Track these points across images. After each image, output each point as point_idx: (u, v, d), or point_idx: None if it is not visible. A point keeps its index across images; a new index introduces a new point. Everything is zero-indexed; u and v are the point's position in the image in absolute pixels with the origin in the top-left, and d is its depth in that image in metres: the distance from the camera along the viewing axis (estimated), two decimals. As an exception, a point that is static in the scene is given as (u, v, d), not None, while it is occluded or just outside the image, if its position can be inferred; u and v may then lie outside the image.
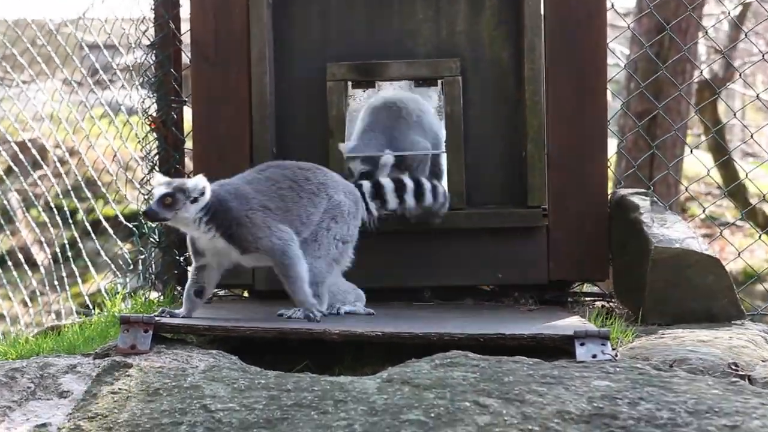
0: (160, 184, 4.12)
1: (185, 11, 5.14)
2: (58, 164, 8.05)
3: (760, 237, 7.53)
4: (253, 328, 4.01)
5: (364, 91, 4.99)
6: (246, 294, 5.09)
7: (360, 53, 4.90)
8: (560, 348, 3.90)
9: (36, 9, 7.93)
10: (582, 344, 3.85)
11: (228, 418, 3.26)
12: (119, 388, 3.51)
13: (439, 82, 4.88)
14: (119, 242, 6.83)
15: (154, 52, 5.28)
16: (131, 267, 6.16)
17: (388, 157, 4.80)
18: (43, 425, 3.41)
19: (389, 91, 4.99)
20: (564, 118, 4.79)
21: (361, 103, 5.01)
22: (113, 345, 3.93)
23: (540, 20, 4.77)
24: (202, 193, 4.08)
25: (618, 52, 7.64)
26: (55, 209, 7.80)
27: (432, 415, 3.21)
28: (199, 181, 4.09)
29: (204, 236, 4.15)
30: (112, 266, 6.76)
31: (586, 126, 4.80)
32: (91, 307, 6.71)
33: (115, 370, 3.66)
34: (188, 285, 4.27)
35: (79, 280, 7.53)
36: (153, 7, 5.28)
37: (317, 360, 4.08)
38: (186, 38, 5.20)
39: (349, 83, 4.89)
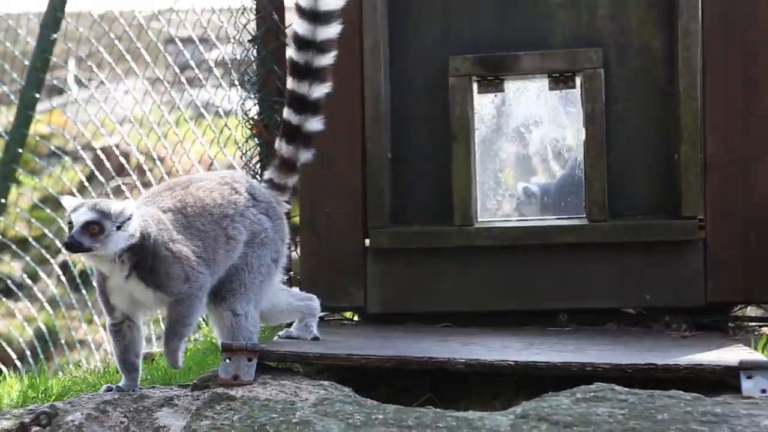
0: (78, 208, 3.82)
1: (291, 1, 5.20)
2: (148, 172, 8.20)
3: None
4: (368, 357, 4.03)
5: (493, 97, 4.98)
6: (356, 317, 5.13)
7: (486, 45, 4.91)
8: (722, 382, 3.85)
9: (124, 1, 8.06)
10: (749, 377, 3.79)
11: (342, 458, 3.30)
12: (222, 424, 3.57)
13: (578, 80, 4.85)
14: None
15: (256, 47, 5.36)
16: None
17: None
18: (139, 465, 3.50)
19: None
20: (725, 113, 4.73)
21: (488, 123, 5.04)
22: (213, 375, 3.99)
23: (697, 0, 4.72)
24: (129, 219, 3.81)
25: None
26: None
27: (574, 456, 3.21)
28: (126, 206, 3.82)
29: (118, 275, 3.89)
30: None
31: (753, 122, 4.74)
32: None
33: (217, 403, 3.72)
34: (118, 351, 4.03)
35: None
36: (255, -3, 5.36)
37: (440, 393, 4.09)
38: (291, 32, 5.27)
39: (475, 84, 4.89)
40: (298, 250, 5.11)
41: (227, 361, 3.97)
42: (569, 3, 4.91)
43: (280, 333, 4.39)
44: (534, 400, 3.59)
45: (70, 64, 9.00)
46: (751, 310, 5.09)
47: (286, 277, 4.44)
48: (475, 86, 4.93)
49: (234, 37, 5.67)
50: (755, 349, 4.27)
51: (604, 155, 4.80)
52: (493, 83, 4.95)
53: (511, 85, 5.02)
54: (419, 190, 4.95)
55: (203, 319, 5.88)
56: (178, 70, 7.68)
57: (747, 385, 3.77)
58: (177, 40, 7.67)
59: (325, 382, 3.91)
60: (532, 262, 4.82)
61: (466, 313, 4.84)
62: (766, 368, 3.81)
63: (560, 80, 4.93)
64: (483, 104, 5.02)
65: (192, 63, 7.40)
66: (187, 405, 3.77)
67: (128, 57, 8.08)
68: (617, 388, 3.63)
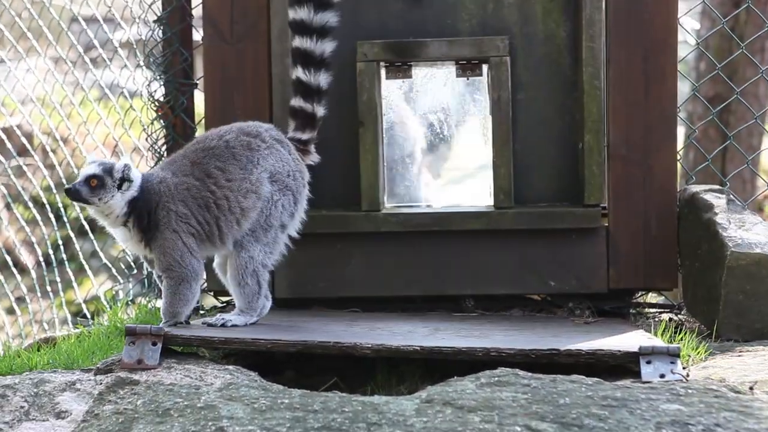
0: (89, 163, 4.24)
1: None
2: (50, 154, 8.09)
3: None
4: (275, 341, 4.03)
5: (401, 83, 4.99)
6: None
7: (395, 31, 4.92)
8: (623, 366, 3.92)
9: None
10: (648, 362, 3.86)
11: (247, 443, 3.29)
12: (125, 408, 3.55)
13: (484, 66, 4.88)
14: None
15: (162, 27, 5.32)
16: (134, 271, 6.22)
17: None
18: (40, 449, 3.46)
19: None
20: (627, 104, 4.79)
21: (394, 106, 5.05)
22: (117, 359, 3.97)
23: (601, -10, 4.78)
24: (130, 181, 4.21)
25: (687, 28, 7.61)
26: (48, 205, 7.85)
27: (478, 440, 3.24)
28: (130, 168, 4.22)
29: (121, 231, 4.32)
30: (113, 269, 6.83)
31: (653, 113, 4.80)
32: (88, 315, 6.76)
33: (120, 388, 3.70)
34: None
35: (75, 286, 7.57)
36: (161, -22, 5.31)
37: (346, 378, 4.10)
38: (198, 12, 5.24)
39: (383, 69, 4.90)
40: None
41: (131, 344, 3.95)
42: (477, -10, 4.94)
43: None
44: (439, 385, 3.61)
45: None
46: (652, 298, 5.17)
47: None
48: (383, 72, 4.93)
49: (139, 17, 5.61)
50: (655, 335, 4.34)
51: (510, 143, 4.83)
52: (401, 69, 4.96)
53: (419, 72, 5.02)
54: (327, 175, 4.92)
55: (105, 299, 5.84)
56: (81, 50, 7.59)
57: (646, 370, 3.85)
58: (80, 18, 7.57)
59: (231, 367, 3.91)
60: (438, 248, 4.85)
61: (373, 298, 4.86)
62: (665, 354, 3.88)
63: (467, 67, 4.94)
64: (391, 90, 5.04)
65: (96, 42, 7.32)
66: (90, 389, 3.75)
67: (30, 35, 7.96)
68: (521, 373, 3.66)
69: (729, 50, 8.20)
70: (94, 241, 7.21)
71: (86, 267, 7.40)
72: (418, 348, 3.99)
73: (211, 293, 5.11)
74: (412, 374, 4.07)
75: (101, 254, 7.09)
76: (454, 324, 4.60)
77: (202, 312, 5.04)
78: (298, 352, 4.05)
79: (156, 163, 5.29)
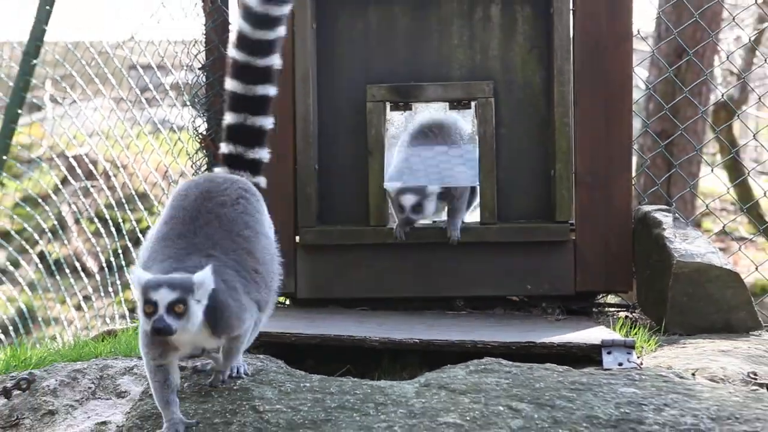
0: (158, 286, 3.02)
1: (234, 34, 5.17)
2: (112, 177, 8.10)
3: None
4: (298, 335, 4.03)
5: (402, 113, 4.97)
6: (287, 302, 5.09)
7: (398, 76, 4.91)
8: (588, 356, 3.90)
9: (93, 31, 7.97)
10: (609, 353, 3.84)
11: (275, 419, 3.28)
12: (173, 389, 3.53)
13: (473, 104, 4.87)
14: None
15: (205, 73, 5.32)
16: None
17: (434, 187, 4.73)
18: (104, 423, 3.44)
19: (425, 113, 4.97)
20: (591, 138, 4.77)
21: (399, 129, 4.99)
22: (168, 348, 3.94)
23: (569, 45, 4.76)
24: (206, 289, 3.09)
25: (639, 76, 7.60)
26: (109, 220, 7.86)
27: (467, 418, 3.22)
28: (206, 277, 3.07)
29: (192, 334, 3.15)
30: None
31: (612, 146, 4.77)
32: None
33: (170, 372, 3.67)
34: (161, 391, 3.23)
35: (132, 285, 7.57)
36: (204, 31, 5.32)
37: (357, 366, 4.08)
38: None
39: (388, 105, 4.89)
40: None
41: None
42: (467, 44, 4.91)
43: None
44: (435, 372, 3.61)
45: (47, 85, 8.86)
46: (611, 299, 5.15)
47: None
48: (388, 109, 4.92)
49: (187, 65, 5.61)
50: (614, 330, 4.32)
51: (494, 170, 4.81)
52: (403, 107, 4.95)
53: (418, 107, 5.00)
54: (341, 196, 4.93)
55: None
56: (138, 92, 7.61)
57: (607, 360, 3.83)
58: (138, 66, 7.60)
59: (261, 356, 3.89)
60: (434, 257, 4.82)
61: (380, 299, 4.83)
62: (622, 346, 3.87)
63: (458, 107, 4.94)
64: (395, 117, 5.02)
65: (151, 86, 7.35)
66: (145, 374, 3.72)
67: (96, 80, 7.99)
68: (503, 361, 3.66)
69: (673, 94, 8.19)
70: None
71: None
72: (418, 341, 3.98)
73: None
74: (413, 362, 4.05)
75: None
76: (447, 321, 4.58)
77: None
78: (318, 344, 4.04)
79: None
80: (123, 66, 7.89)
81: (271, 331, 4.01)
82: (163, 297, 3.00)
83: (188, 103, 5.67)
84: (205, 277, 3.05)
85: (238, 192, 3.42)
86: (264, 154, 3.71)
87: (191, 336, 3.13)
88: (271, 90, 3.74)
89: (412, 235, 4.79)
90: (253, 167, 3.69)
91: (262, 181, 3.70)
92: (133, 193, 7.74)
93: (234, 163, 3.68)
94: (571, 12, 4.77)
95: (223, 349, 3.40)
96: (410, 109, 4.96)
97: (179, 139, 6.43)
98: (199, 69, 5.36)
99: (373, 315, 4.66)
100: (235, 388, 3.48)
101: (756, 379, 3.68)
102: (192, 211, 3.32)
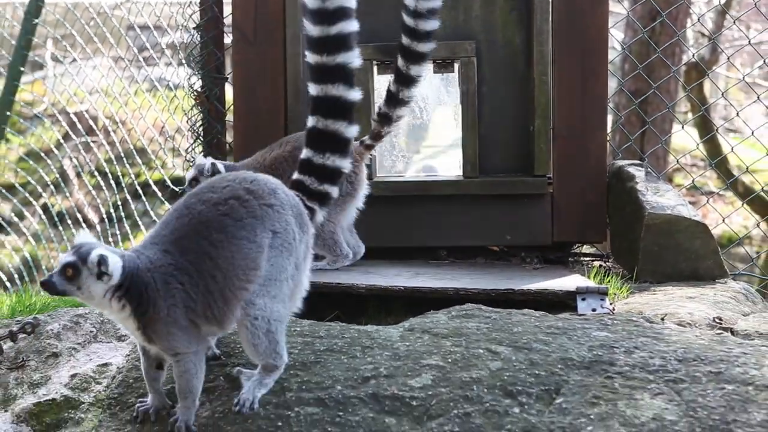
0: (70, 249, 3.00)
1: (227, -4, 5.14)
2: (111, 133, 8.06)
3: (742, 205, 7.53)
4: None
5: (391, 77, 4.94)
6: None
7: (384, 36, 4.86)
8: (563, 302, 3.92)
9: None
10: (583, 299, 3.86)
11: (268, 361, 3.27)
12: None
13: (456, 65, 4.84)
14: (166, 203, 6.85)
15: (199, 33, 5.28)
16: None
17: None
18: (105, 364, 3.45)
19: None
20: (568, 96, 4.76)
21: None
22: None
23: (548, 7, 4.74)
24: (108, 272, 2.92)
25: (615, 37, 7.57)
26: (109, 173, 7.83)
27: (449, 360, 3.23)
28: (109, 257, 2.92)
29: (116, 315, 3.02)
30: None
31: (588, 104, 4.77)
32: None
33: (168, 318, 3.67)
34: (145, 367, 3.14)
35: (131, 237, 7.55)
36: (199, -8, 5.27)
37: (345, 311, 4.09)
38: (227, 21, 5.19)
39: (375, 67, 4.85)
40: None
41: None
42: (450, 5, 4.87)
43: None
44: (419, 317, 3.61)
45: (49, 44, 8.77)
46: (586, 249, 5.17)
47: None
48: (375, 69, 4.89)
49: (182, 25, 5.57)
50: (588, 278, 4.34)
51: (476, 126, 4.80)
52: (390, 66, 4.92)
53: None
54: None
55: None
56: (136, 51, 7.55)
57: (581, 306, 3.85)
58: (136, 26, 7.53)
59: (255, 302, 3.89)
60: (419, 209, 4.83)
61: (367, 248, 4.83)
62: (596, 293, 3.89)
63: (442, 65, 4.91)
64: (381, 83, 5.00)
65: (148, 45, 7.28)
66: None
67: (96, 39, 7.92)
68: (483, 307, 3.66)
69: (647, 54, 8.14)
70: (146, 203, 7.19)
71: (139, 223, 7.39)
72: (402, 288, 3.98)
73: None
74: (398, 309, 4.06)
75: (151, 212, 7.07)
76: (431, 269, 4.59)
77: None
78: (308, 290, 4.04)
79: (195, 140, 5.25)
80: (121, 26, 7.83)
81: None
82: (62, 259, 2.97)
83: (184, 61, 5.63)
84: (104, 256, 2.90)
85: (235, 192, 3.08)
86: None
87: (110, 313, 3.03)
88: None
89: (397, 188, 4.80)
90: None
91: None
92: (132, 148, 7.69)
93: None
94: (551, -26, 4.74)
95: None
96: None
97: (175, 96, 6.39)
98: (193, 29, 5.32)
99: (361, 264, 4.66)
100: (230, 332, 3.48)
101: (720, 323, 3.71)
102: (181, 204, 3.11)
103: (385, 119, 4.43)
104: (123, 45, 7.93)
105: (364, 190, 4.47)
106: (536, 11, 4.73)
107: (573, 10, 4.74)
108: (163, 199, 6.99)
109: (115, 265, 2.92)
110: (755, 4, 5.61)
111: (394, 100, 4.38)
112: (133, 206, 7.46)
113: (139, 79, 7.78)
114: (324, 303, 4.08)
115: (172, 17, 6.39)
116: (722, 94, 6.70)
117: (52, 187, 8.33)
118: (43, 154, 8.67)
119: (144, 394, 3.21)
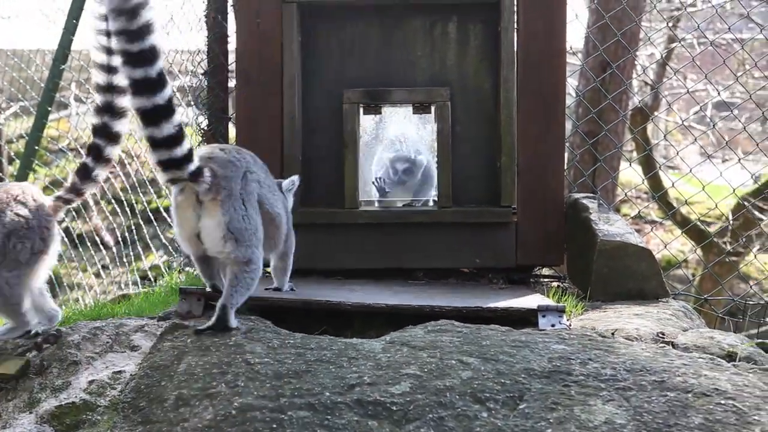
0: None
1: (231, 45, 5.12)
2: (127, 165, 8.03)
3: (681, 233, 7.56)
4: (283, 299, 4.01)
5: (373, 117, 4.98)
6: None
7: (370, 81, 4.88)
8: (526, 318, 3.91)
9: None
10: (543, 316, 3.86)
11: (264, 370, 3.26)
12: (178, 344, 3.52)
13: (432, 107, 4.85)
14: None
15: (207, 78, 5.28)
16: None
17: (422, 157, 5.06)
18: (119, 372, 3.41)
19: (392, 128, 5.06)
20: (531, 136, 4.77)
21: (371, 136, 5.05)
22: (173, 310, 3.92)
23: (514, 58, 4.75)
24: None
25: (569, 84, 7.61)
26: (124, 201, 7.80)
27: (425, 370, 3.22)
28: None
29: None
30: (169, 247, 6.76)
31: (548, 143, 4.77)
32: (152, 279, 6.70)
33: (175, 330, 3.66)
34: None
35: (143, 258, 7.51)
36: (207, 43, 5.27)
37: (333, 326, 4.07)
38: (232, 68, 5.18)
39: (361, 107, 4.86)
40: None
41: (183, 300, 3.91)
42: (428, 55, 4.89)
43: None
44: (398, 331, 3.61)
45: (73, 87, 8.74)
46: (546, 270, 5.17)
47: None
48: (361, 110, 4.89)
49: (191, 71, 5.56)
50: (548, 296, 4.34)
51: (449, 161, 4.80)
52: (374, 108, 4.92)
53: (387, 110, 5.00)
54: (321, 182, 4.90)
55: (164, 267, 5.75)
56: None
57: (542, 322, 3.85)
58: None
59: (253, 317, 3.87)
60: (398, 235, 4.81)
61: (352, 270, 4.81)
62: (555, 310, 3.89)
63: (420, 108, 4.92)
64: (366, 121, 5.01)
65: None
66: (154, 331, 3.71)
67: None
68: (455, 323, 3.66)
69: (598, 100, 8.18)
70: (156, 227, 7.16)
71: (150, 245, 7.35)
72: (384, 305, 3.97)
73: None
74: (380, 323, 4.04)
75: (161, 236, 7.04)
76: (409, 288, 4.58)
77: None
78: (300, 307, 4.03)
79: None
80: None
81: (262, 296, 4.00)
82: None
83: (192, 103, 5.62)
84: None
85: None
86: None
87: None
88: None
89: (379, 216, 4.79)
90: None
91: None
92: (145, 179, 7.66)
93: None
94: (516, 30, 4.76)
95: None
96: (380, 113, 4.95)
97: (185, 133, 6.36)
98: (201, 74, 5.32)
99: (347, 283, 4.65)
100: (230, 343, 3.46)
101: (663, 337, 3.72)
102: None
103: (86, 176, 3.88)
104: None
105: (57, 246, 3.83)
106: (503, 61, 4.75)
107: (535, 61, 4.76)
108: (171, 224, 6.96)
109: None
110: (692, 58, 5.66)
111: (98, 157, 3.85)
112: (145, 230, 7.42)
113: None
114: (314, 318, 4.06)
115: (182, 64, 6.38)
116: (664, 136, 6.77)
117: (73, 212, 8.28)
118: (65, 184, 8.61)
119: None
